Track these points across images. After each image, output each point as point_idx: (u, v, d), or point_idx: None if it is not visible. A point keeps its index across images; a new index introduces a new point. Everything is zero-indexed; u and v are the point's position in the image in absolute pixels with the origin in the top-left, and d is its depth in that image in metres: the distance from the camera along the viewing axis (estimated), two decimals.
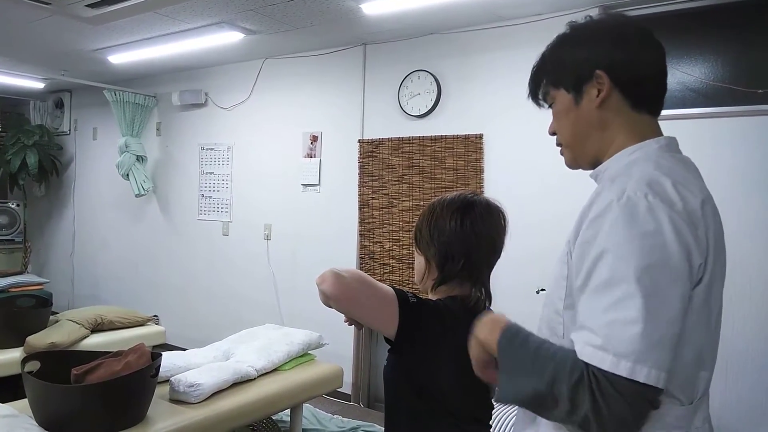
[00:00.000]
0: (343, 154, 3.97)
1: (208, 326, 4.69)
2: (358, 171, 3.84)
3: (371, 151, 3.77)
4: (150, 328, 3.94)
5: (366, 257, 3.82)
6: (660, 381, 0.79)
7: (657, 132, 1.00)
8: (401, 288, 1.29)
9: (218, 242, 4.73)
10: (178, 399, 2.37)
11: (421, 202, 3.51)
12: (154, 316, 4.61)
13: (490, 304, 1.46)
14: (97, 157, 5.64)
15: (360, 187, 3.83)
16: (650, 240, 0.82)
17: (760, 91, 2.55)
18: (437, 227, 1.35)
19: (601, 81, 0.97)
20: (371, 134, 3.81)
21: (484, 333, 1.00)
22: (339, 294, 1.23)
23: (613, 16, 1.06)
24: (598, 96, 0.98)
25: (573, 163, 1.08)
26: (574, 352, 0.84)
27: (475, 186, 3.28)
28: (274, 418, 2.95)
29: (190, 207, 4.93)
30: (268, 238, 4.42)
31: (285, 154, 4.31)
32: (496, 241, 1.40)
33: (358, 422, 3.35)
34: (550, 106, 1.08)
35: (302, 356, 3.00)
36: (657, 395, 0.81)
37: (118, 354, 2.30)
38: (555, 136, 1.09)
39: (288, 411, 2.87)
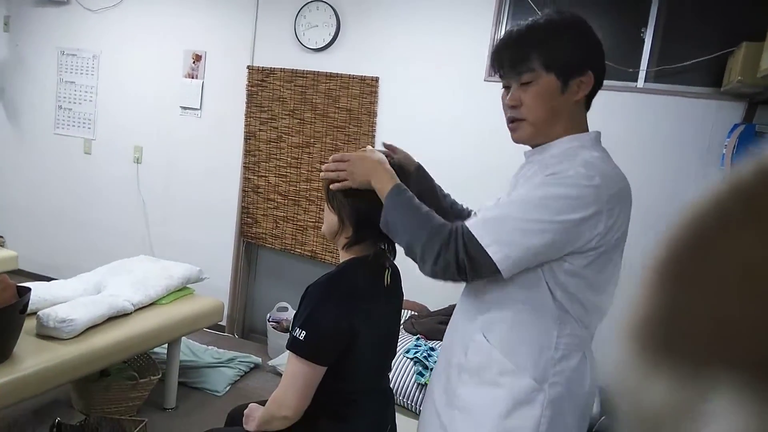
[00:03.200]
0: (229, 79, 3.75)
1: (66, 253, 4.33)
2: (245, 100, 3.66)
3: (261, 80, 3.61)
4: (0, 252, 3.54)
5: (249, 191, 3.72)
6: (503, 264, 1.04)
7: (586, 123, 1.19)
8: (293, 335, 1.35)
9: (79, 161, 4.30)
10: (47, 335, 2.21)
11: (312, 139, 3.47)
12: (0, 237, 4.15)
13: (394, 257, 1.54)
14: None
15: (247, 117, 3.67)
16: (573, 201, 1.02)
17: (630, 69, 2.83)
18: (355, 191, 1.36)
19: (588, 80, 1.11)
20: (262, 62, 3.63)
21: (379, 171, 1.25)
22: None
23: (580, 20, 1.15)
24: (578, 91, 1.11)
25: (528, 140, 1.17)
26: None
27: (367, 129, 3.31)
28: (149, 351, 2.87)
29: (45, 118, 4.39)
30: (138, 161, 4.11)
31: (162, 71, 3.96)
32: None
33: (235, 353, 3.37)
34: (526, 83, 1.12)
35: (181, 290, 2.93)
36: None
37: None
38: (513, 109, 1.15)
39: (164, 345, 2.80)
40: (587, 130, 1.17)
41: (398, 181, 1.21)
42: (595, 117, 3.17)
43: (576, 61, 1.10)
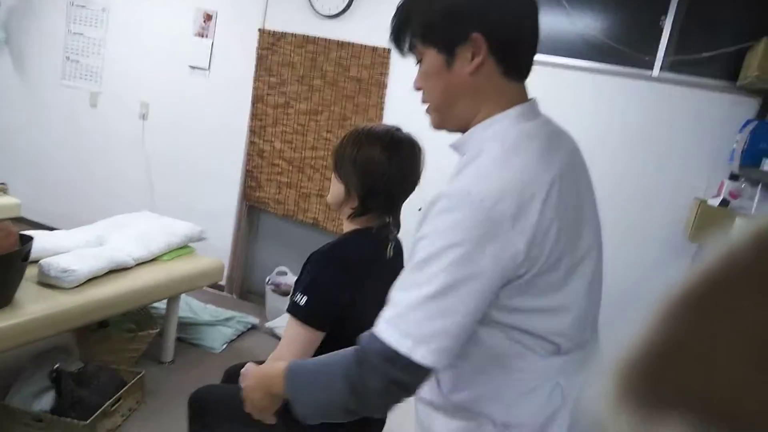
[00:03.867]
0: (239, 41, 3.71)
1: (69, 204, 4.34)
2: (255, 63, 3.63)
3: (272, 44, 3.57)
4: (1, 199, 3.55)
5: (254, 155, 3.72)
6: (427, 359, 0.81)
7: (523, 97, 0.95)
8: (294, 300, 1.35)
9: (84, 113, 4.28)
10: (48, 283, 2.24)
11: (320, 107, 3.45)
12: (2, 183, 4.15)
13: (398, 231, 1.55)
14: None
15: (255, 80, 3.64)
16: (459, 249, 0.80)
17: (647, 57, 2.80)
18: (363, 161, 1.37)
19: (477, 45, 0.88)
20: (273, 25, 3.59)
21: (263, 384, 1.06)
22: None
23: None
24: (472, 60, 0.88)
25: (439, 126, 1.00)
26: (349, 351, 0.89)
27: (376, 100, 3.29)
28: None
29: (52, 69, 4.35)
30: (144, 117, 4.09)
31: (171, 27, 3.92)
32: (416, 180, 1.48)
33: (233, 312, 3.41)
34: (418, 62, 0.96)
35: (182, 248, 2.95)
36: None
37: None
38: (420, 92, 0.99)
39: (163, 300, 2.84)
40: (513, 105, 0.92)
41: (284, 368, 0.99)
42: (606, 102, 3.13)
43: (454, 25, 0.88)
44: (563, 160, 0.90)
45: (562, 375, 0.92)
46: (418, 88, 0.98)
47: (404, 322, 0.81)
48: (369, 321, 1.44)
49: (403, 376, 0.82)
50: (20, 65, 4.48)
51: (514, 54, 0.91)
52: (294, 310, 1.36)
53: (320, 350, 1.41)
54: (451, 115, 0.96)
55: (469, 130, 0.94)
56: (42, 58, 4.38)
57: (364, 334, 0.88)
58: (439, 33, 0.90)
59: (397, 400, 0.86)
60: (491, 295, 0.83)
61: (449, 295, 0.80)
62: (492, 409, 0.92)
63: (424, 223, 0.84)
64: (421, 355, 0.80)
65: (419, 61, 0.96)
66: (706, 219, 2.43)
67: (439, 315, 0.80)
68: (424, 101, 0.98)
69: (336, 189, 1.46)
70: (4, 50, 4.47)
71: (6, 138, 4.56)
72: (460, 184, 0.84)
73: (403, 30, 0.95)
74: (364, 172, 1.37)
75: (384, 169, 1.35)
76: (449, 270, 0.79)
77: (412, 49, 0.96)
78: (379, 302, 1.52)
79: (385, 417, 1.62)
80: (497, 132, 0.90)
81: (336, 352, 0.95)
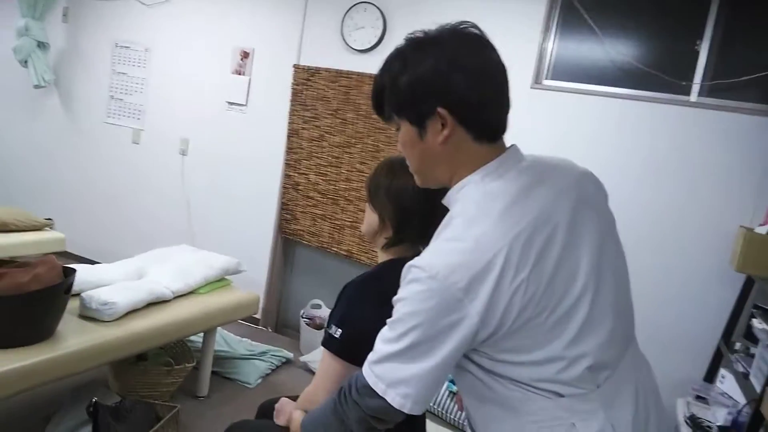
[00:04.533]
0: (275, 77, 3.80)
1: (111, 238, 4.47)
2: (290, 98, 3.71)
3: (306, 79, 3.65)
4: (48, 234, 3.68)
5: (290, 187, 3.77)
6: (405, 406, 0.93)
7: (495, 156, 0.98)
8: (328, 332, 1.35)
9: (127, 150, 4.44)
10: (89, 316, 2.29)
11: (353, 140, 3.49)
12: (49, 219, 4.31)
13: None
14: None
15: (291, 115, 3.72)
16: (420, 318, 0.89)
17: (684, 83, 2.75)
18: (397, 190, 1.37)
19: (444, 119, 0.93)
20: (308, 61, 3.68)
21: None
22: None
23: (450, 32, 0.97)
24: (442, 131, 0.94)
25: (423, 185, 1.08)
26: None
27: None
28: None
29: (97, 108, 4.54)
30: (184, 153, 4.21)
31: (211, 66, 4.05)
32: (447, 209, 1.46)
33: (267, 346, 3.41)
34: (396, 130, 1.03)
35: (219, 281, 2.98)
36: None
37: (24, 264, 2.15)
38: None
39: (200, 333, 2.86)
40: (482, 165, 0.97)
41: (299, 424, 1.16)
42: (644, 129, 3.07)
43: (421, 101, 0.94)
44: (536, 212, 0.92)
45: (576, 416, 0.93)
46: (400, 152, 1.07)
47: (379, 368, 0.94)
48: None
49: (377, 410, 0.95)
50: (68, 105, 4.69)
51: (481, 120, 0.96)
52: (328, 342, 1.34)
53: None
54: (431, 178, 1.04)
55: (450, 192, 1.02)
56: (88, 97, 4.58)
57: (355, 374, 1.02)
58: (408, 108, 0.97)
59: (374, 427, 0.98)
60: (455, 352, 0.90)
61: (414, 351, 0.91)
62: None
63: (400, 288, 0.94)
64: (391, 397, 0.92)
65: (397, 129, 1.03)
66: (754, 248, 2.33)
67: (406, 367, 0.91)
68: (407, 164, 1.07)
69: (370, 219, 1.45)
70: (53, 91, 4.69)
71: (53, 175, 4.75)
72: (425, 256, 0.92)
73: (380, 101, 1.03)
74: (398, 201, 1.37)
75: (418, 196, 1.34)
76: (411, 334, 0.90)
77: (390, 118, 1.03)
78: None
79: None
80: (465, 195, 0.97)
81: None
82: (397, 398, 0.92)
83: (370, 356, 0.97)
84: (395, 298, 0.95)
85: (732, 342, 2.60)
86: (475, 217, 0.92)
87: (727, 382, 2.47)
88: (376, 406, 0.95)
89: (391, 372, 0.93)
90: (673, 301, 2.80)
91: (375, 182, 1.43)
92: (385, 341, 0.95)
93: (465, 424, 1.17)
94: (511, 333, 0.89)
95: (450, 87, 0.92)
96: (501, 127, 0.99)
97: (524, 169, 0.99)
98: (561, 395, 0.93)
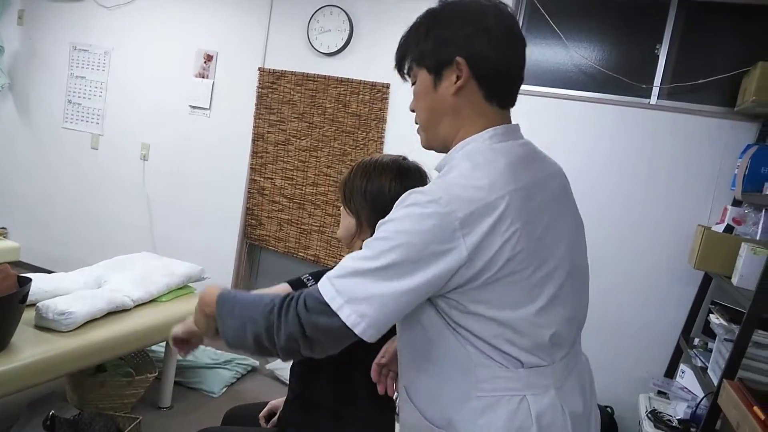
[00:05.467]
0: (240, 80, 3.75)
1: (70, 246, 4.33)
2: (255, 101, 3.66)
3: (272, 83, 3.61)
4: (1, 243, 3.53)
5: (255, 192, 3.71)
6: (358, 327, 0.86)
7: (503, 121, 1.02)
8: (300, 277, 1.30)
9: (85, 155, 4.31)
10: (45, 326, 2.20)
11: (320, 143, 3.46)
12: (3, 228, 4.14)
13: None
14: None
15: (256, 118, 3.67)
16: (412, 236, 0.87)
17: (644, 85, 2.81)
18: (374, 191, 1.37)
19: (460, 69, 0.98)
20: (273, 64, 3.64)
21: (200, 306, 1.09)
22: None
23: (452, 3, 1.03)
24: (456, 83, 0.98)
25: (426, 145, 1.09)
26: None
27: (376, 135, 3.30)
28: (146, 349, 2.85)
29: (54, 112, 4.40)
30: (145, 158, 4.11)
31: (173, 69, 3.97)
32: None
33: (232, 355, 3.34)
34: (413, 84, 1.07)
35: (181, 288, 2.91)
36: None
37: None
38: (414, 114, 1.08)
39: (162, 342, 2.78)
40: (489, 127, 1.00)
41: (218, 293, 1.04)
42: (605, 131, 3.14)
43: (443, 49, 0.99)
44: (533, 178, 0.96)
45: (529, 389, 0.94)
46: (412, 110, 1.09)
47: (342, 282, 0.88)
48: (375, 355, 1.40)
49: (320, 329, 0.88)
50: (24, 109, 4.53)
51: (495, 80, 1.00)
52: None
53: (321, 385, 1.36)
54: (435, 134, 1.05)
55: (454, 148, 1.02)
56: (44, 101, 4.43)
57: (306, 288, 0.94)
58: (429, 55, 1.01)
59: (297, 350, 0.91)
60: (430, 284, 0.87)
61: (389, 271, 0.87)
62: (459, 422, 0.94)
63: (393, 210, 0.92)
64: (346, 314, 0.86)
65: (413, 83, 1.06)
66: (711, 246, 2.39)
67: (374, 285, 0.87)
68: (415, 122, 1.08)
69: (347, 223, 1.43)
70: (8, 95, 4.53)
71: (7, 182, 4.58)
72: (427, 186, 0.93)
73: (404, 56, 1.06)
74: (376, 202, 1.36)
75: (396, 195, 1.33)
76: (394, 252, 0.86)
77: (409, 72, 1.07)
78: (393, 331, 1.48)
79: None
80: (469, 151, 0.98)
81: (269, 292, 1.03)
82: (352, 315, 0.86)
83: (333, 271, 0.90)
84: (383, 219, 0.91)
85: (691, 338, 2.67)
86: (482, 164, 0.94)
87: (686, 377, 2.53)
88: (323, 325, 0.87)
89: (355, 287, 0.87)
90: (635, 299, 2.86)
91: (350, 185, 1.42)
92: (357, 258, 0.89)
93: (398, 405, 1.11)
94: (492, 282, 0.88)
95: (472, 41, 0.98)
96: (511, 95, 1.05)
97: (524, 144, 1.04)
98: (521, 363, 0.93)
